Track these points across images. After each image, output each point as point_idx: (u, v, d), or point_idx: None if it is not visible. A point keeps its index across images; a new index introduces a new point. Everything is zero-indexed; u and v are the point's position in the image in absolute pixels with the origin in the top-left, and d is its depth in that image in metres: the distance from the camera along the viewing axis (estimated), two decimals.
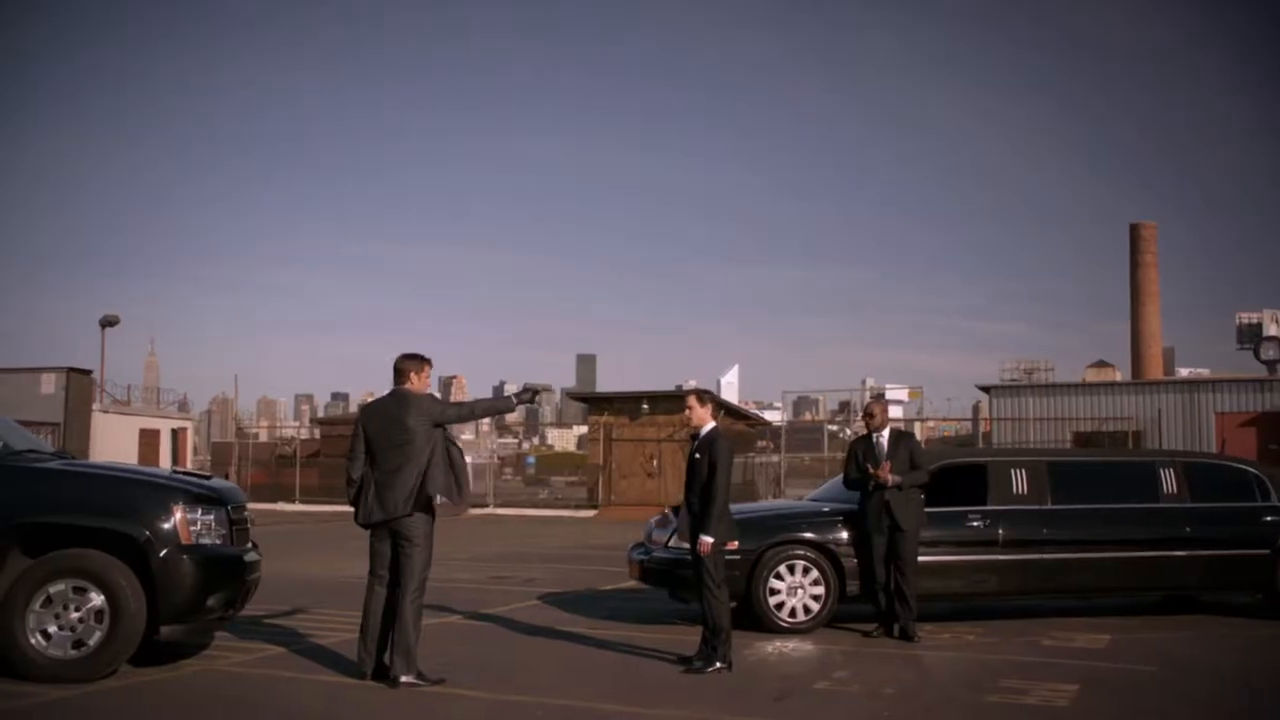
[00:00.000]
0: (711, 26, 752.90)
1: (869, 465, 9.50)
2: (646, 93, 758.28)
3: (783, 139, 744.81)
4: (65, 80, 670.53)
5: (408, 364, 7.51)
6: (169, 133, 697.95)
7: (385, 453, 7.27)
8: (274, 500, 34.61)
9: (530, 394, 7.80)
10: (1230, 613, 10.76)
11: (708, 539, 7.78)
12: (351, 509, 7.48)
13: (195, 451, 52.27)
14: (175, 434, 28.46)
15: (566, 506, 34.88)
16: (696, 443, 8.14)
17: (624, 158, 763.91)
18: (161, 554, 7.22)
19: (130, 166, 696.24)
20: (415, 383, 7.47)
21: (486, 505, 33.77)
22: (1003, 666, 8.10)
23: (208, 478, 8.23)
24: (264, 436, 53.82)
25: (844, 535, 9.80)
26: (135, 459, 30.47)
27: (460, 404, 8.03)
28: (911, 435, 10.04)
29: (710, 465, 7.84)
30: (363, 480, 7.35)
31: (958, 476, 10.28)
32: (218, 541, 7.57)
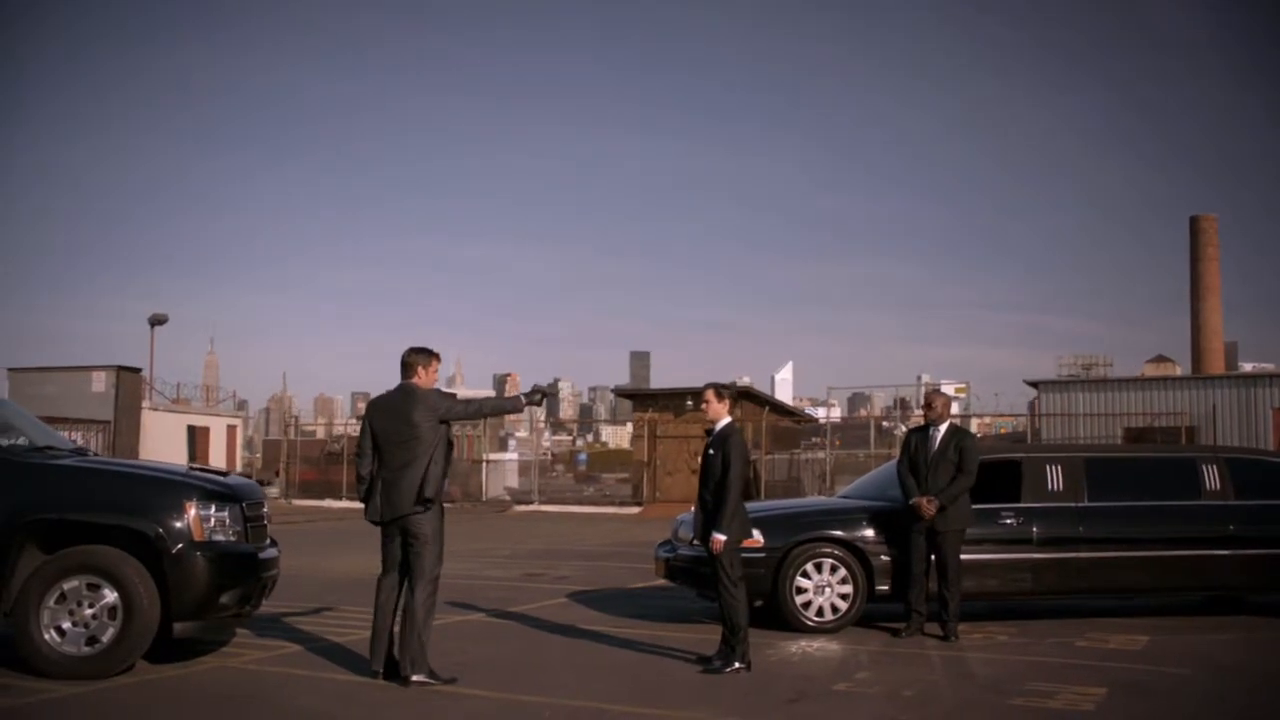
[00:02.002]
0: (767, 23, 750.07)
1: (911, 494, 9.22)
2: (704, 88, 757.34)
3: (840, 134, 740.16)
4: (136, 82, 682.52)
5: (416, 358, 7.38)
6: (233, 135, 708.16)
7: (392, 449, 7.18)
8: (322, 497, 34.87)
9: (540, 395, 7.69)
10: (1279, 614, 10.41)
11: (720, 536, 7.63)
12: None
13: (246, 449, 52.95)
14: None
15: (611, 503, 34.79)
16: (711, 438, 7.98)
17: (680, 154, 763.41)
18: (174, 551, 7.21)
19: (194, 168, 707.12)
20: (423, 377, 7.35)
21: (531, 502, 33.78)
22: (1032, 668, 7.87)
23: (224, 474, 8.22)
24: (321, 434, 54.35)
25: (873, 533, 9.59)
26: (184, 457, 30.84)
27: (468, 401, 7.93)
28: (967, 433, 9.68)
29: (724, 461, 7.69)
30: (371, 477, 7.27)
31: (991, 473, 10.01)
32: (232, 538, 7.54)
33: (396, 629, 7.25)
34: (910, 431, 9.93)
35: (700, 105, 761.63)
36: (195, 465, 8.65)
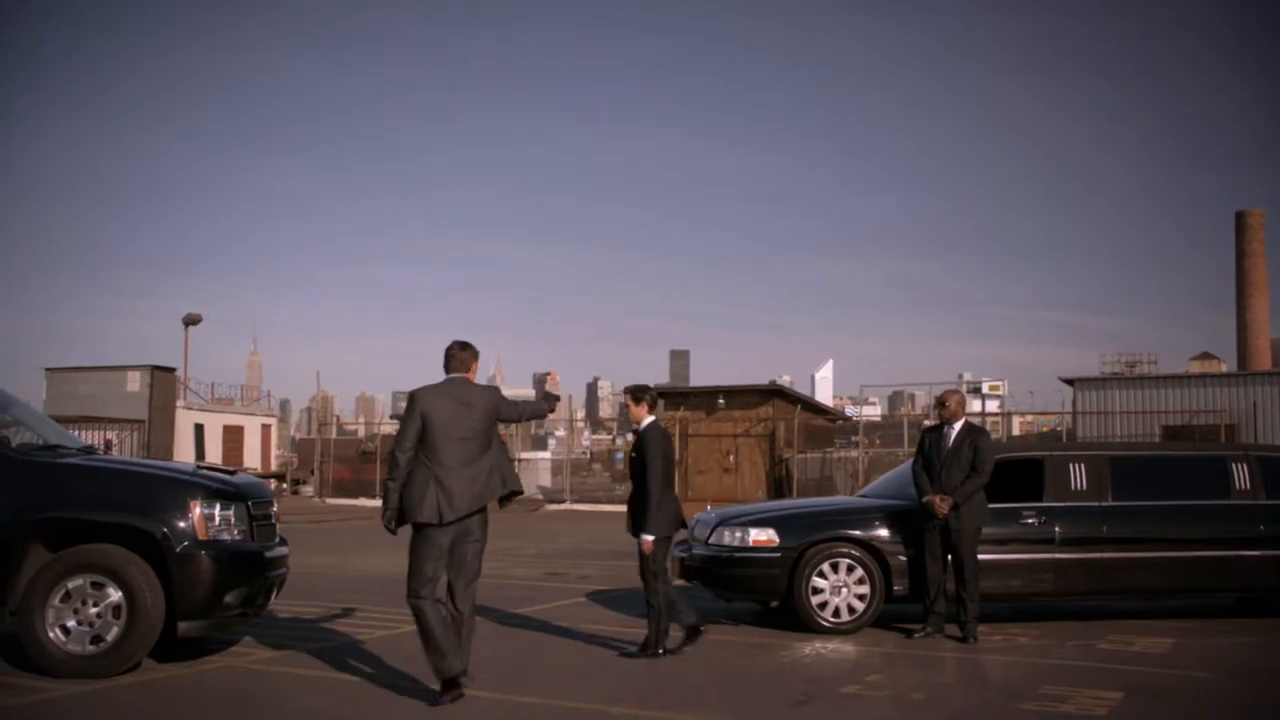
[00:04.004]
0: (802, 20, 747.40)
1: (924, 493, 9.12)
2: (746, 87, 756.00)
3: (882, 133, 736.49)
4: (179, 83, 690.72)
5: (469, 353, 7.04)
6: (279, 137, 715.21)
7: (452, 444, 6.70)
8: (355, 496, 35.04)
9: (553, 401, 7.83)
10: None
11: (648, 538, 7.95)
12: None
13: (289, 448, 53.37)
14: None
15: None
16: (634, 440, 8.26)
17: (723, 153, 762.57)
18: (178, 550, 7.19)
19: (240, 169, 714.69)
20: (472, 373, 7.09)
21: (564, 501, 33.77)
22: (1049, 671, 7.70)
23: (231, 473, 8.20)
24: (362, 433, 54.60)
25: (891, 532, 9.43)
26: (220, 456, 31.11)
27: (516, 404, 7.78)
28: (982, 431, 9.53)
29: (642, 461, 7.99)
30: (412, 472, 6.74)
31: (1013, 472, 9.84)
32: (237, 537, 7.52)
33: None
34: (925, 430, 9.78)
35: (742, 104, 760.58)
36: (203, 464, 8.64)
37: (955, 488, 8.93)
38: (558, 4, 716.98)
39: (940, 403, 9.50)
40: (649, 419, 8.27)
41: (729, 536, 9.65)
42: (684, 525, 8.42)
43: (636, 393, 8.37)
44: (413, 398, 6.84)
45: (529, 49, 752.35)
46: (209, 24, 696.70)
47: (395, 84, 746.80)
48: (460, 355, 7.02)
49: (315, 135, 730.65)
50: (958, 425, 9.25)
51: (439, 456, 6.68)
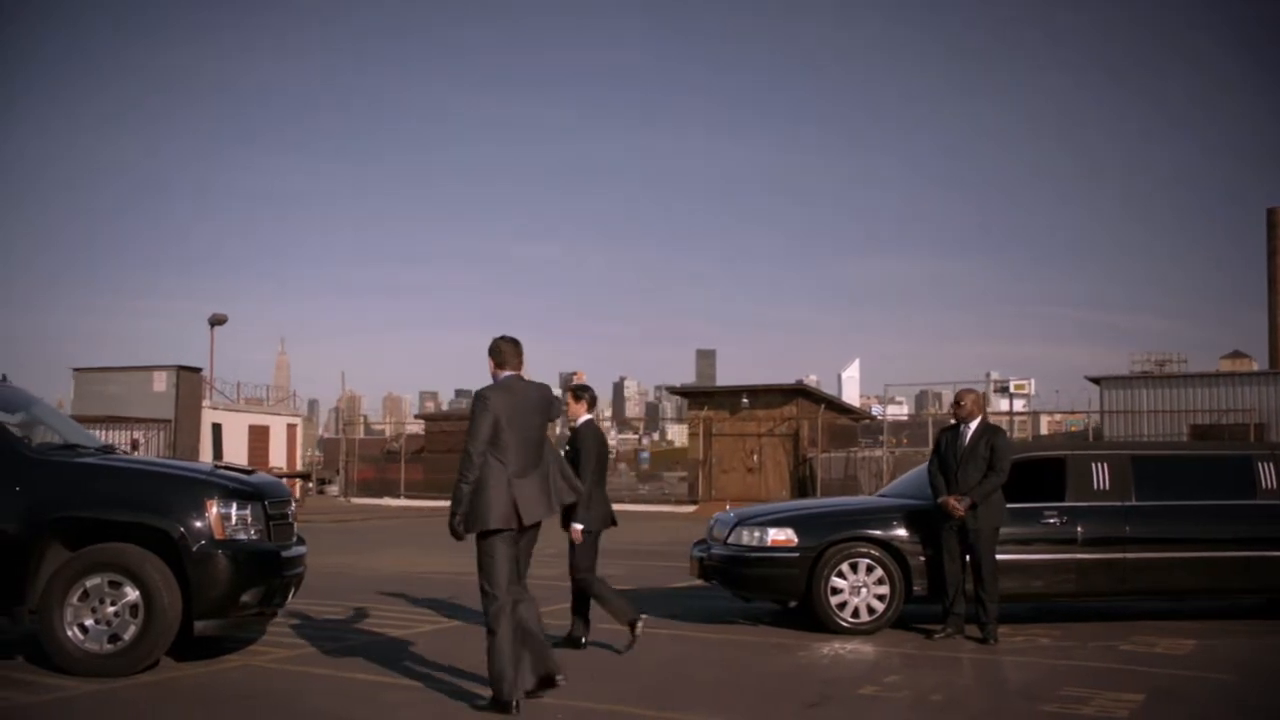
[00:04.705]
0: (836, 18, 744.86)
1: (940, 493, 9.07)
2: (771, 86, 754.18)
3: (907, 131, 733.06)
4: (207, 85, 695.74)
5: (520, 349, 6.75)
6: (313, 138, 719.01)
7: (522, 446, 6.45)
8: (380, 495, 35.16)
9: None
10: None
11: (577, 526, 8.19)
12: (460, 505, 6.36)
13: (317, 448, 53.59)
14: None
15: (667, 502, 34.68)
16: (570, 436, 8.53)
17: (749, 152, 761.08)
18: (195, 549, 7.20)
19: (274, 170, 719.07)
20: (523, 371, 6.90)
21: None
22: (1070, 672, 7.61)
23: (249, 472, 8.21)
24: (389, 432, 54.87)
25: (911, 532, 9.35)
26: (245, 456, 31.24)
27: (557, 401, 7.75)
28: (998, 430, 9.44)
29: (577, 455, 8.24)
30: (485, 474, 6.36)
31: (1035, 471, 9.74)
32: (254, 536, 7.53)
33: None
34: (941, 430, 9.69)
35: (768, 103, 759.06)
36: (220, 464, 8.66)
37: (973, 487, 8.85)
38: (595, 2, 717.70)
39: (957, 402, 9.42)
40: (585, 417, 8.53)
41: (747, 536, 9.60)
42: (614, 523, 8.66)
43: (577, 391, 8.65)
44: (485, 396, 6.49)
45: (562, 46, 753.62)
46: (267, 26, 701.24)
47: (426, 82, 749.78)
48: (515, 351, 6.72)
49: (346, 134, 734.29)
50: (974, 424, 9.16)
51: (510, 458, 6.38)
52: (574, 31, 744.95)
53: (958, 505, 8.82)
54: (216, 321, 32.54)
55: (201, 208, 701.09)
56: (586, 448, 8.29)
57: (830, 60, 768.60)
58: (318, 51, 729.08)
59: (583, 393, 8.67)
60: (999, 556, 9.13)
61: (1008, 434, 10.39)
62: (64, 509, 7.30)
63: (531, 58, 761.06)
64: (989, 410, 38.67)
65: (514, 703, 6.29)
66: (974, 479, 8.87)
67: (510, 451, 6.36)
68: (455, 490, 6.37)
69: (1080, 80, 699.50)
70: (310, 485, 37.93)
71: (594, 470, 8.26)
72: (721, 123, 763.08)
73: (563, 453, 8.11)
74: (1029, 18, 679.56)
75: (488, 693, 6.44)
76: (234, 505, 7.44)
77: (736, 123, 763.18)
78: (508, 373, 6.65)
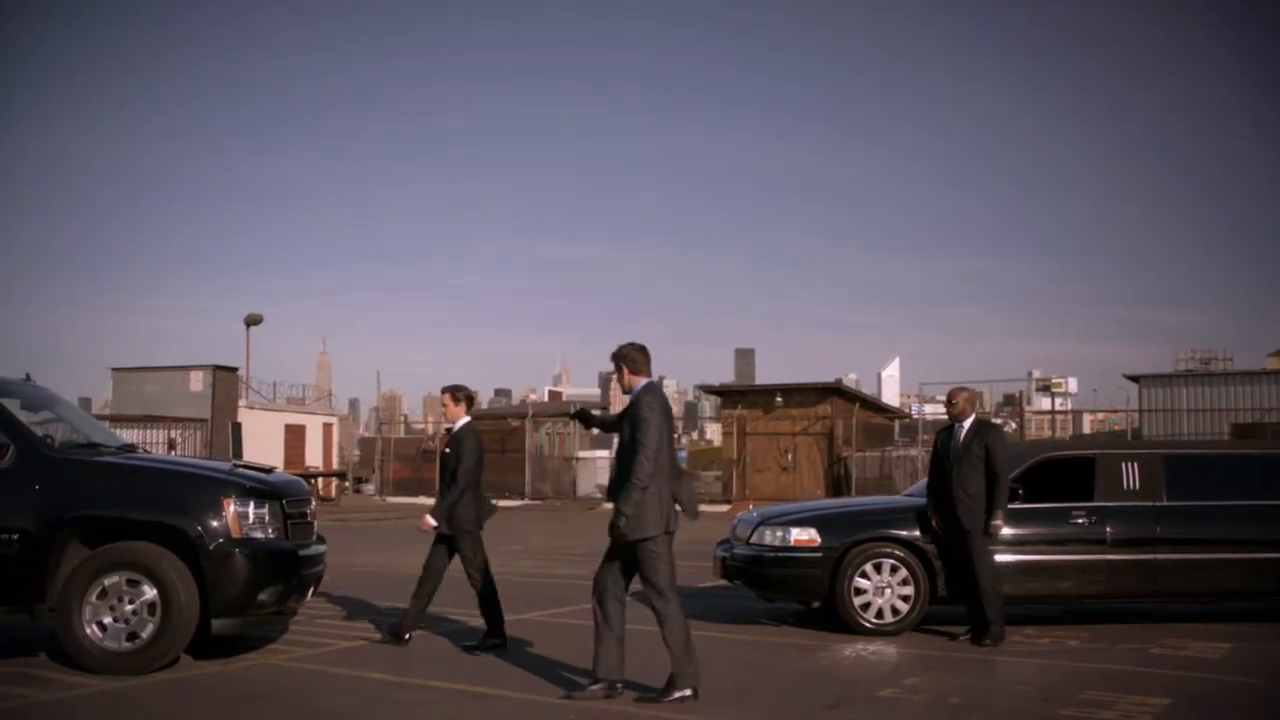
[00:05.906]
0: (871, 18, 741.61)
1: (930, 508, 9.11)
2: (808, 85, 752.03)
3: (946, 129, 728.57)
4: (251, 85, 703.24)
5: (650, 359, 6.69)
6: (350, 138, 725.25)
7: (667, 451, 6.45)
8: (415, 494, 35.31)
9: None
10: None
11: (430, 520, 8.36)
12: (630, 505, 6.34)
13: (357, 447, 53.94)
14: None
15: (701, 501, 34.50)
16: (448, 437, 8.60)
17: (788, 151, 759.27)
18: (212, 548, 7.24)
19: (313, 172, 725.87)
20: None
21: None
22: (1094, 676, 7.47)
23: (268, 471, 8.23)
24: (431, 431, 55.10)
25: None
26: (281, 455, 31.50)
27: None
28: (992, 427, 9.24)
29: (457, 457, 8.37)
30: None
31: (1063, 471, 9.59)
32: (272, 535, 7.55)
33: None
34: (938, 432, 9.57)
35: (806, 103, 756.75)
36: (240, 462, 8.70)
37: (994, 504, 8.75)
38: (634, 2, 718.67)
39: (949, 400, 9.27)
40: (464, 419, 8.58)
41: (770, 536, 9.51)
42: (480, 522, 8.60)
43: (455, 393, 8.68)
44: (657, 400, 6.43)
45: (600, 44, 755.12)
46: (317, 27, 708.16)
47: (462, 81, 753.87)
48: (646, 358, 6.66)
49: (386, 134, 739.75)
50: (967, 423, 9.03)
51: (665, 463, 6.39)
52: (613, 29, 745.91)
53: (997, 527, 8.76)
54: (252, 321, 32.83)
55: (261, 210, 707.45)
56: (466, 449, 8.37)
57: (871, 60, 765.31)
58: (369, 50, 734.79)
59: (460, 394, 8.69)
60: (1029, 558, 8.99)
61: (1003, 430, 10.23)
62: (83, 507, 7.35)
63: (570, 55, 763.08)
64: (1029, 409, 38.33)
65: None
66: (970, 478, 8.76)
67: (665, 456, 6.37)
68: (628, 492, 6.30)
69: (1124, 75, 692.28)
70: (346, 484, 38.17)
71: (471, 470, 8.34)
72: (764, 121, 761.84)
73: (443, 454, 8.59)
74: (1070, 13, 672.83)
75: (503, 693, 6.42)
76: (251, 504, 7.46)
77: (779, 122, 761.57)
78: (643, 380, 6.59)
